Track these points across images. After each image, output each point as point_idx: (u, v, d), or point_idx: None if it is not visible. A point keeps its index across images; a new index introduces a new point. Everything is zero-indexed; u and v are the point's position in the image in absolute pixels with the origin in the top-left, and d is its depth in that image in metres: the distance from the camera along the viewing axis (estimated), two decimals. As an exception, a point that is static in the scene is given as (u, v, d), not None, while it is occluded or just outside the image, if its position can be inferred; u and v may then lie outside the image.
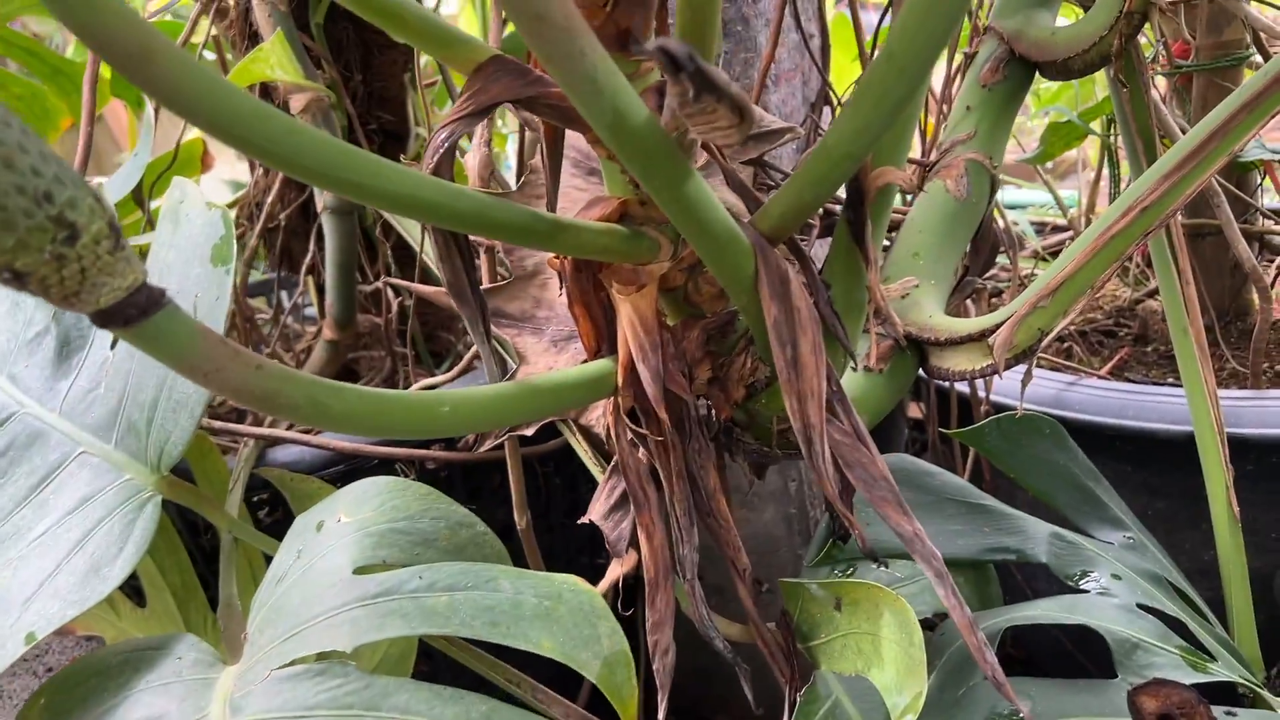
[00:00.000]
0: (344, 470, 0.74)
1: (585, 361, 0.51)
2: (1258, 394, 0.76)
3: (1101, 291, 1.12)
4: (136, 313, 0.29)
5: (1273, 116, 0.55)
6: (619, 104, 0.34)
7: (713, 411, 0.57)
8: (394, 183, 0.37)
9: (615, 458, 0.52)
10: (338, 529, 0.50)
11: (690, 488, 0.52)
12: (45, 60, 0.97)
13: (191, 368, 0.33)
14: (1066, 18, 0.81)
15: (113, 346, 0.62)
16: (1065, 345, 1.01)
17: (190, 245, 0.57)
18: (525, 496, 0.68)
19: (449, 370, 0.76)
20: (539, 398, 0.46)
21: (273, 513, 0.75)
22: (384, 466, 0.75)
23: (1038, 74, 0.72)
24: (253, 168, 0.90)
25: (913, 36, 0.33)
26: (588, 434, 0.63)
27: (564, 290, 0.51)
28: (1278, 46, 0.75)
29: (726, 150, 0.61)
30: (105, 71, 1.04)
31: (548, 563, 0.88)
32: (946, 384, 0.96)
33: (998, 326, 0.58)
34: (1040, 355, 1.03)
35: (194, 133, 0.92)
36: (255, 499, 0.75)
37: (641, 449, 0.51)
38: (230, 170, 1.73)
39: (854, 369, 0.61)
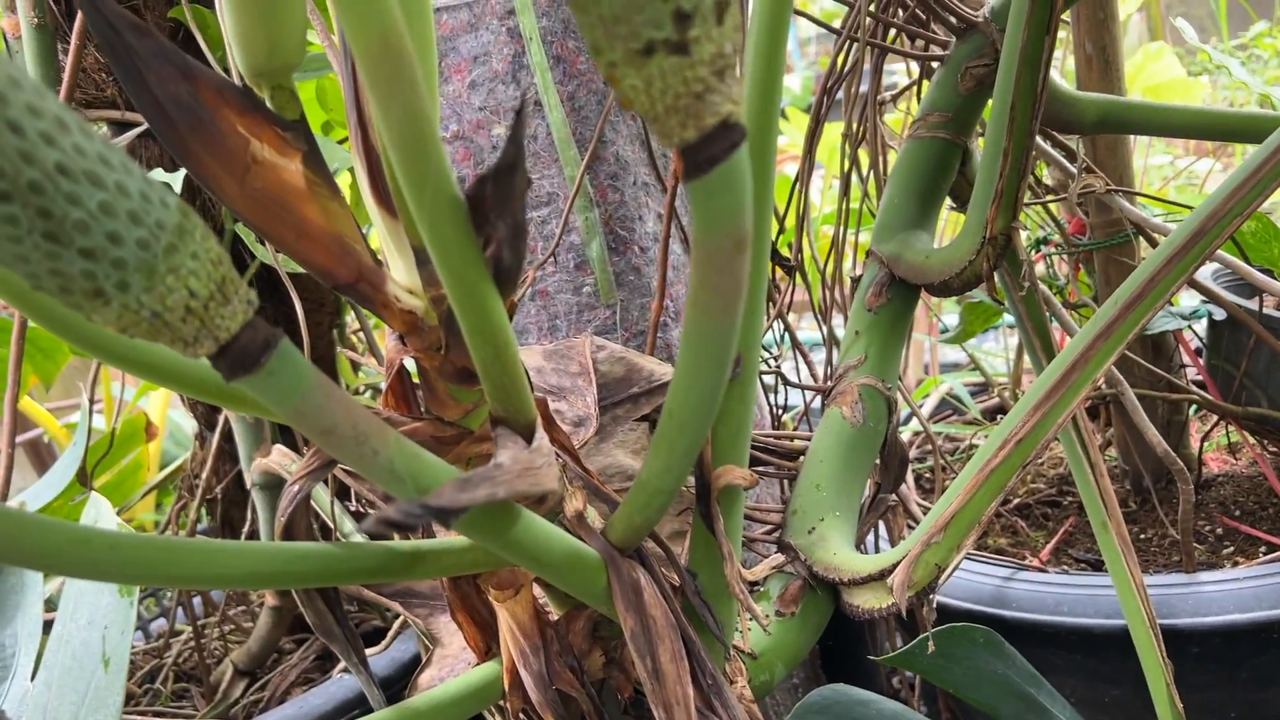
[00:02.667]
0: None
1: (476, 664, 0.52)
2: (1189, 580, 0.76)
3: (1044, 459, 1.13)
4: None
5: (1120, 351, 0.57)
6: (420, 485, 0.36)
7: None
8: (230, 565, 0.38)
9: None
10: None
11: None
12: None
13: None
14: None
15: (33, 677, 0.62)
16: (1010, 523, 1.01)
17: (98, 570, 0.58)
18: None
19: (379, 645, 0.77)
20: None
21: None
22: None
23: (924, 291, 0.75)
24: (196, 440, 0.93)
25: (684, 397, 0.36)
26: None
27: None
28: (1156, 235, 0.77)
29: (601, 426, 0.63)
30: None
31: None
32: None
33: (895, 566, 0.59)
34: (983, 537, 1.03)
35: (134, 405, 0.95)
36: None
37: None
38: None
39: (766, 616, 0.62)
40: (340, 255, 0.42)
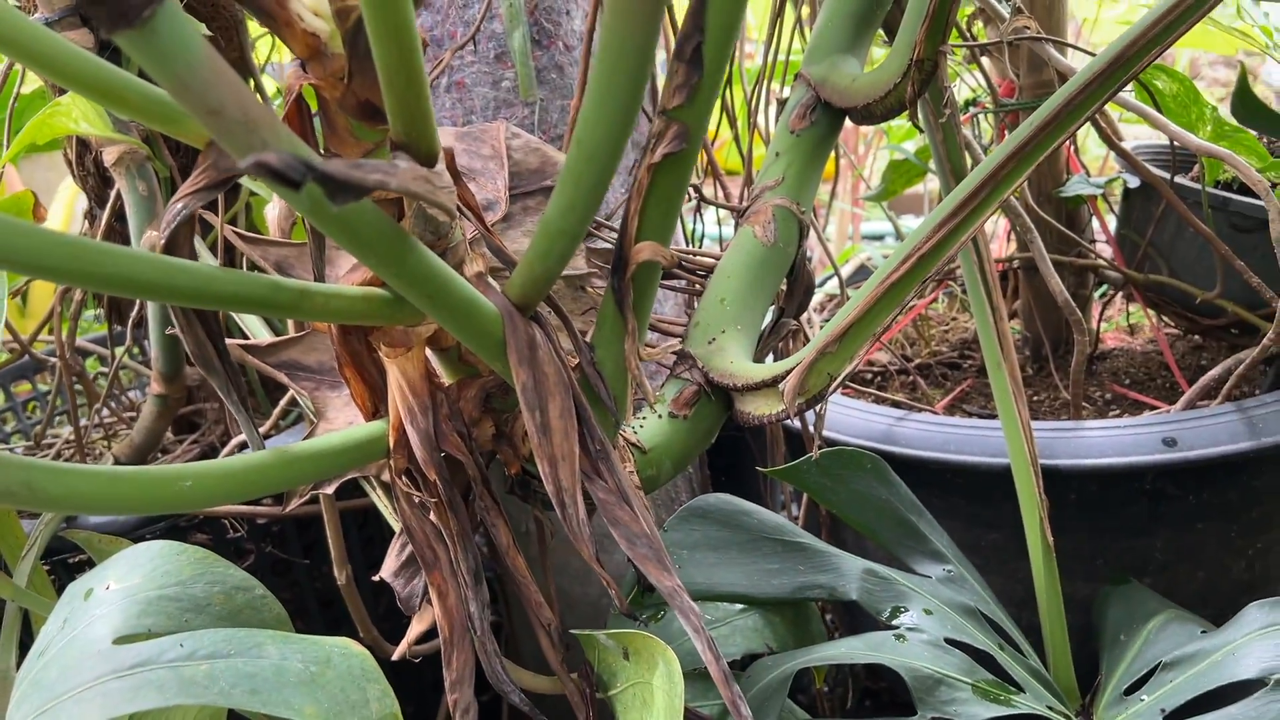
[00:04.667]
0: (165, 528, 0.73)
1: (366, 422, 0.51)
2: (1075, 425, 0.78)
3: (950, 325, 1.15)
4: None
5: (1037, 164, 0.57)
6: (311, 190, 0.34)
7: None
8: (101, 264, 0.36)
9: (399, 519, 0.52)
10: (105, 596, 0.49)
11: (478, 546, 0.52)
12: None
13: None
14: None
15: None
16: (910, 379, 1.03)
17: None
18: (344, 552, 0.68)
19: (285, 419, 0.76)
20: (296, 465, 0.46)
21: (95, 575, 0.74)
22: (209, 523, 0.74)
23: (848, 119, 0.74)
24: (86, 219, 0.89)
25: (594, 125, 0.34)
26: (388, 486, 0.63)
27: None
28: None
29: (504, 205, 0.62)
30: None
31: (388, 617, 0.88)
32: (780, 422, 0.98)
33: (788, 373, 0.60)
34: (884, 389, 1.05)
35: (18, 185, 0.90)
36: (74, 560, 0.73)
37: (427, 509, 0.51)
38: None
39: (659, 416, 0.62)
40: (241, -42, 0.39)
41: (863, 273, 1.34)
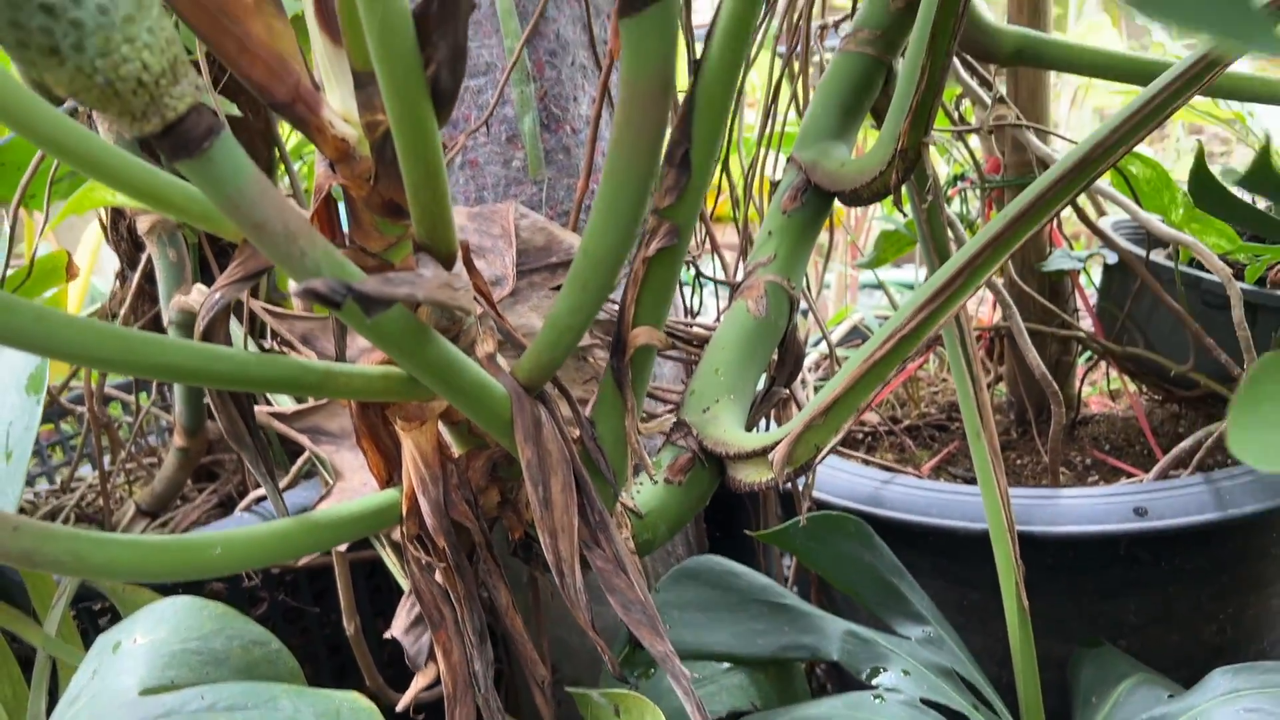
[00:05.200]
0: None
1: (380, 490, 0.55)
2: (1052, 492, 0.82)
3: (939, 386, 1.19)
4: None
5: (1010, 254, 0.61)
6: (349, 306, 0.38)
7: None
8: (147, 355, 0.40)
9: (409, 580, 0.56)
10: (132, 650, 0.52)
11: (482, 607, 0.56)
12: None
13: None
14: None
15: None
16: (898, 441, 1.06)
17: (9, 373, 0.60)
18: (354, 603, 0.71)
19: (290, 476, 0.79)
20: (318, 532, 0.49)
21: (114, 620, 0.77)
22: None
23: (836, 200, 0.79)
24: (117, 279, 0.93)
25: (600, 237, 0.39)
26: (399, 547, 0.67)
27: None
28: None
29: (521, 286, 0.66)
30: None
31: (392, 664, 0.91)
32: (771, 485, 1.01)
33: (778, 443, 0.63)
34: (874, 449, 1.08)
35: (55, 244, 0.95)
36: (99, 607, 0.77)
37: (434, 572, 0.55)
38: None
39: (655, 482, 0.66)
40: (280, 73, 0.43)
41: (856, 334, 1.38)
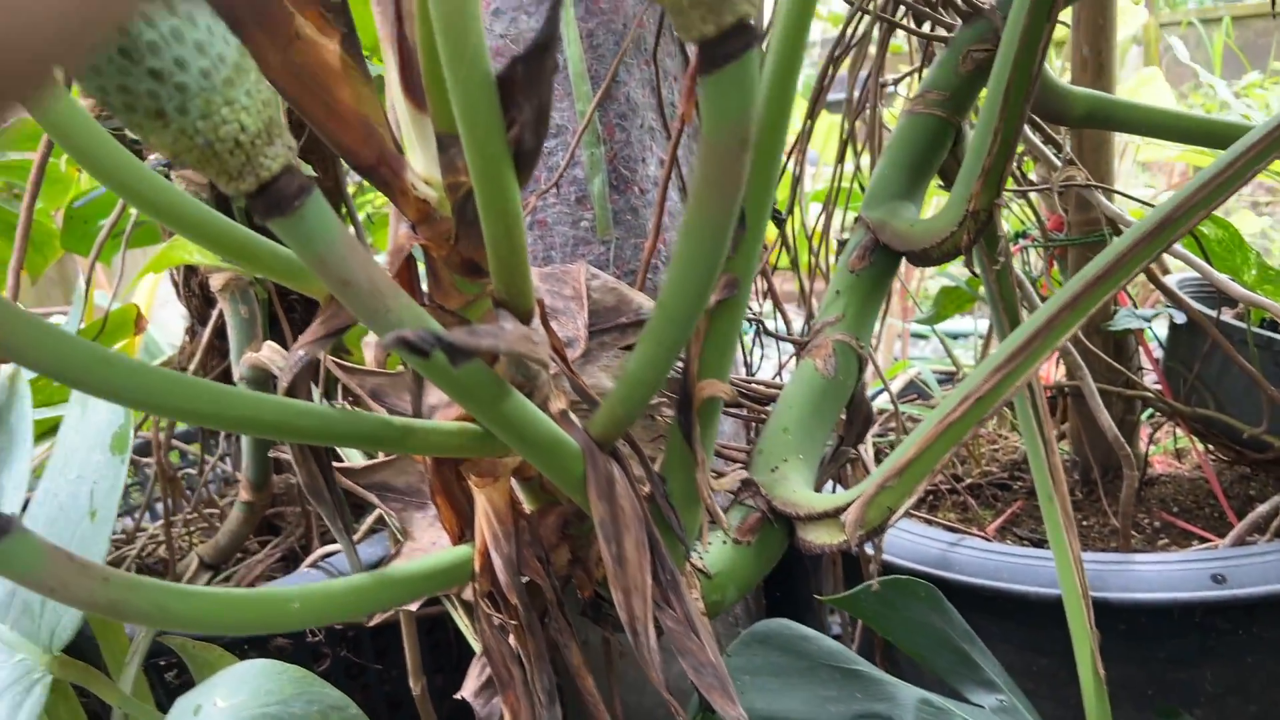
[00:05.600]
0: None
1: (451, 546, 0.55)
2: (1124, 558, 0.80)
3: (999, 443, 1.17)
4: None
5: (1087, 317, 0.61)
6: (437, 356, 0.39)
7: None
8: (236, 408, 0.41)
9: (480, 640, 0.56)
10: (214, 713, 0.53)
11: (553, 666, 0.55)
12: None
13: (39, 585, 0.37)
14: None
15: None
16: (961, 499, 1.05)
17: (94, 431, 0.61)
18: (420, 662, 0.71)
19: (361, 532, 0.80)
20: (393, 588, 0.49)
21: (180, 675, 0.78)
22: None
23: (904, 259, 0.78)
24: (187, 334, 0.95)
25: (676, 294, 0.39)
26: (469, 605, 0.67)
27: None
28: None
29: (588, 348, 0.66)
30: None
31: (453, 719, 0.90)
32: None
33: (849, 505, 0.63)
34: (936, 508, 1.07)
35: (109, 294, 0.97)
36: (164, 663, 0.77)
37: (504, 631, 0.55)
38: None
39: (724, 542, 0.65)
40: (366, 137, 0.44)
41: (913, 388, 1.37)
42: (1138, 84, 1.74)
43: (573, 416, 0.51)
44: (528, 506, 0.56)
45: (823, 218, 0.87)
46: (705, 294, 0.39)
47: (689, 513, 0.55)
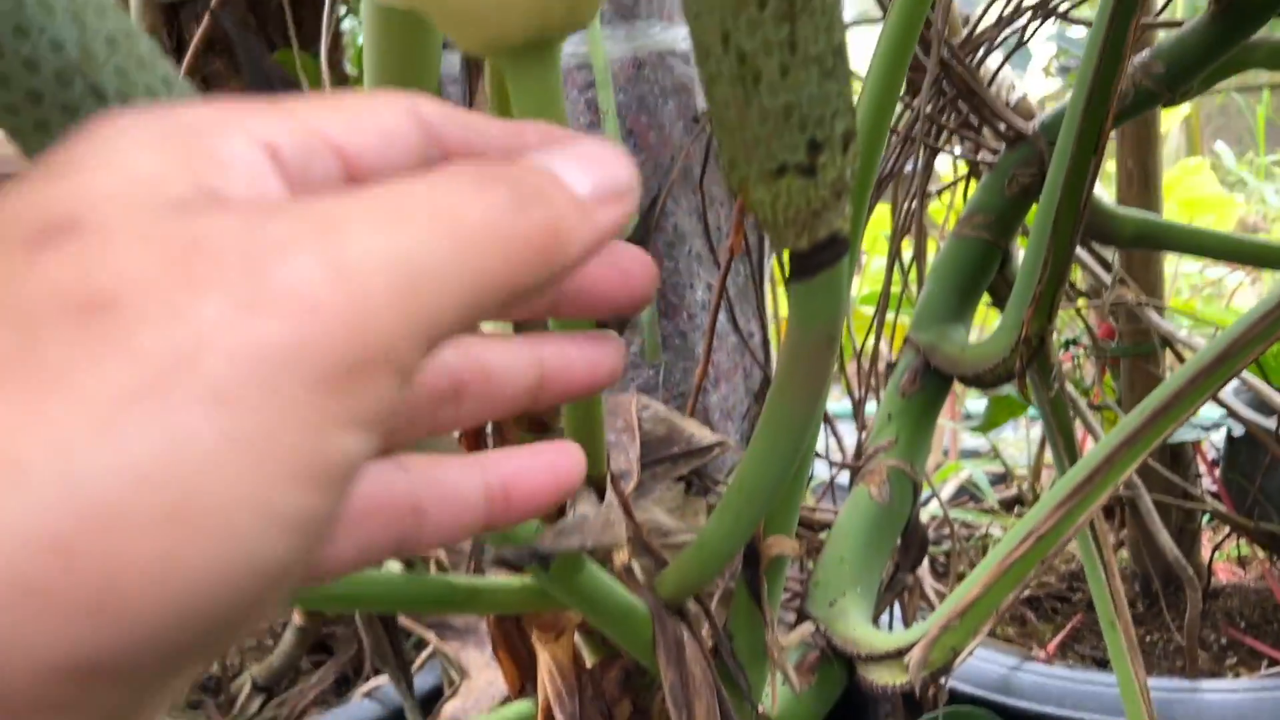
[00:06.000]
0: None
1: (505, 699, 0.55)
2: (1192, 684, 0.78)
3: (1056, 556, 1.15)
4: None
5: (1147, 453, 0.60)
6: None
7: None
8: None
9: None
10: None
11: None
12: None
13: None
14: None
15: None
16: (1019, 612, 1.03)
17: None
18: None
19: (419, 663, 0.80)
20: (457, 751, 0.49)
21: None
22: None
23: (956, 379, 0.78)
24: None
25: (756, 473, 0.39)
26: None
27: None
28: (1183, 349, 0.81)
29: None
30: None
31: None
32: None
33: (912, 645, 0.62)
34: (993, 624, 1.05)
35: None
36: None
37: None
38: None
39: (782, 683, 0.64)
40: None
41: (964, 492, 1.35)
42: (1181, 175, 1.74)
43: (638, 572, 0.51)
44: (588, 658, 0.56)
45: (871, 335, 0.87)
46: (784, 475, 0.39)
47: (755, 670, 0.55)
